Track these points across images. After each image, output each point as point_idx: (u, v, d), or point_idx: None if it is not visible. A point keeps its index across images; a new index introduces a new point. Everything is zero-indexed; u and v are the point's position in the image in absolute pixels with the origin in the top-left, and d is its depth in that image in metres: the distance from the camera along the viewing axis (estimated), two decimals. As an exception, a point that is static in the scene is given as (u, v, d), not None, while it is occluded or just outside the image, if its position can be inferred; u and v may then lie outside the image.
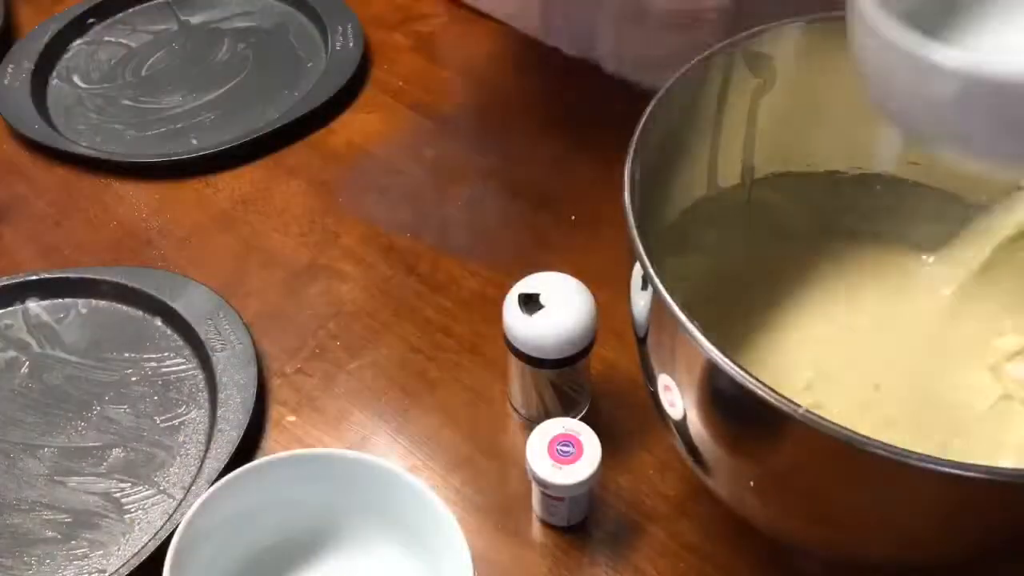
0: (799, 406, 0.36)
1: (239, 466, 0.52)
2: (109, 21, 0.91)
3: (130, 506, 0.58)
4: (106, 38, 0.90)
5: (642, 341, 0.48)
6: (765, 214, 0.59)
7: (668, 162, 0.52)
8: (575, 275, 0.56)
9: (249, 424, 0.60)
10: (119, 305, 0.69)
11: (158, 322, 0.67)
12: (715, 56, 0.51)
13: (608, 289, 0.67)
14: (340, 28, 0.86)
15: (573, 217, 0.72)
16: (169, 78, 0.86)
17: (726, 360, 0.38)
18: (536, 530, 0.56)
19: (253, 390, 0.61)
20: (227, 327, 0.64)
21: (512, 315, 0.55)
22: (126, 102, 0.84)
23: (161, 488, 0.59)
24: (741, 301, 0.56)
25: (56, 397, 0.64)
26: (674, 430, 0.49)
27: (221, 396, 0.61)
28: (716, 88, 0.52)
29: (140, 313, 0.68)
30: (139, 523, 0.58)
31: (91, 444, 0.61)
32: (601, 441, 0.52)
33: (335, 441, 0.60)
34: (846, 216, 0.59)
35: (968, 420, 0.52)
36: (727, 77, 0.52)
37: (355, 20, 0.87)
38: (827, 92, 0.54)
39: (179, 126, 0.81)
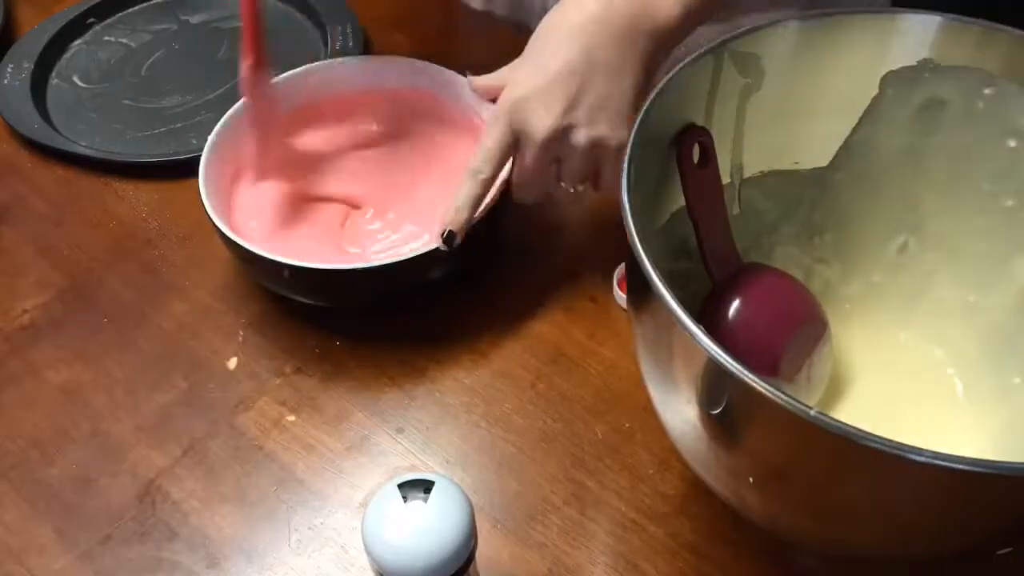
0: (799, 403, 0.37)
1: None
2: (109, 21, 0.91)
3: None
4: (106, 38, 0.90)
5: (642, 341, 0.48)
6: (754, 213, 0.59)
7: (659, 163, 0.52)
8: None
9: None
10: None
11: (158, 322, 0.67)
12: (704, 56, 0.51)
13: (608, 288, 0.67)
14: (340, 28, 0.86)
15: (571, 215, 0.72)
16: (169, 78, 0.86)
17: (726, 359, 0.38)
18: (536, 530, 0.56)
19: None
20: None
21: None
22: (126, 102, 0.84)
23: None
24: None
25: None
26: (674, 429, 0.49)
27: (221, 396, 0.61)
28: (705, 88, 0.53)
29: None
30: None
31: (91, 444, 0.61)
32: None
33: (335, 441, 0.60)
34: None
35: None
36: (716, 77, 0.52)
37: (355, 20, 0.87)
38: (814, 91, 0.55)
39: (179, 126, 0.81)
